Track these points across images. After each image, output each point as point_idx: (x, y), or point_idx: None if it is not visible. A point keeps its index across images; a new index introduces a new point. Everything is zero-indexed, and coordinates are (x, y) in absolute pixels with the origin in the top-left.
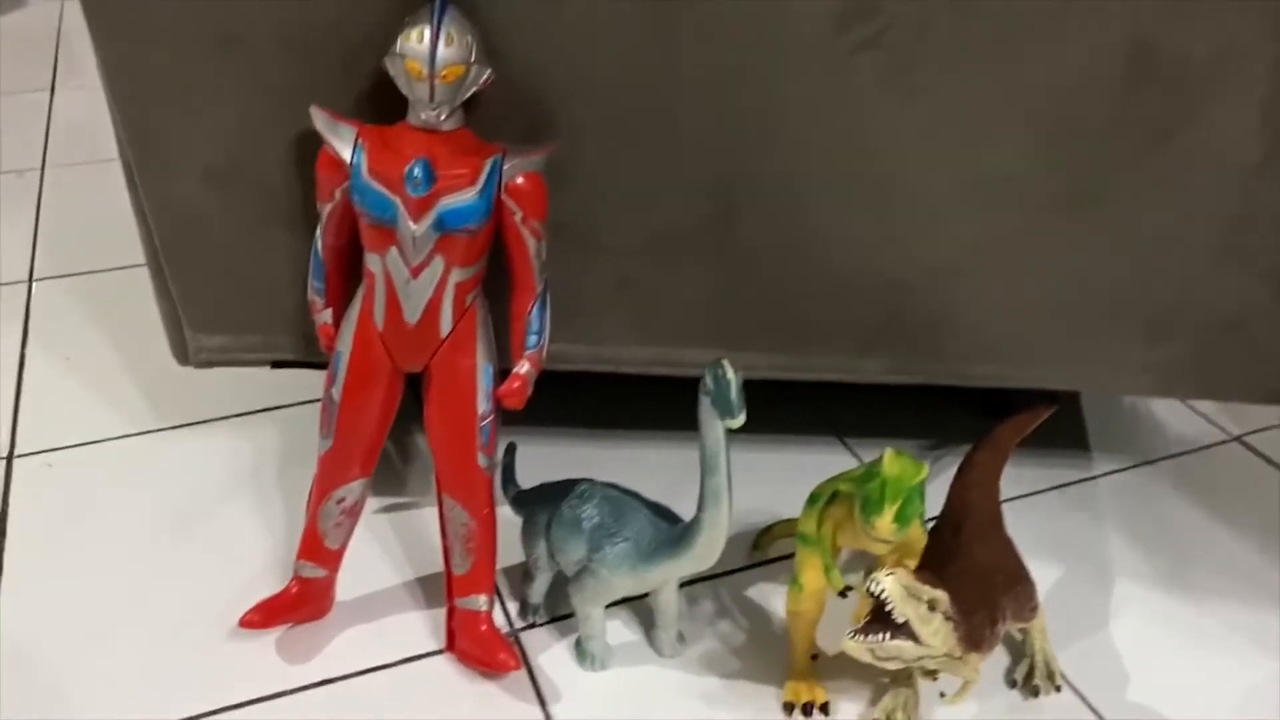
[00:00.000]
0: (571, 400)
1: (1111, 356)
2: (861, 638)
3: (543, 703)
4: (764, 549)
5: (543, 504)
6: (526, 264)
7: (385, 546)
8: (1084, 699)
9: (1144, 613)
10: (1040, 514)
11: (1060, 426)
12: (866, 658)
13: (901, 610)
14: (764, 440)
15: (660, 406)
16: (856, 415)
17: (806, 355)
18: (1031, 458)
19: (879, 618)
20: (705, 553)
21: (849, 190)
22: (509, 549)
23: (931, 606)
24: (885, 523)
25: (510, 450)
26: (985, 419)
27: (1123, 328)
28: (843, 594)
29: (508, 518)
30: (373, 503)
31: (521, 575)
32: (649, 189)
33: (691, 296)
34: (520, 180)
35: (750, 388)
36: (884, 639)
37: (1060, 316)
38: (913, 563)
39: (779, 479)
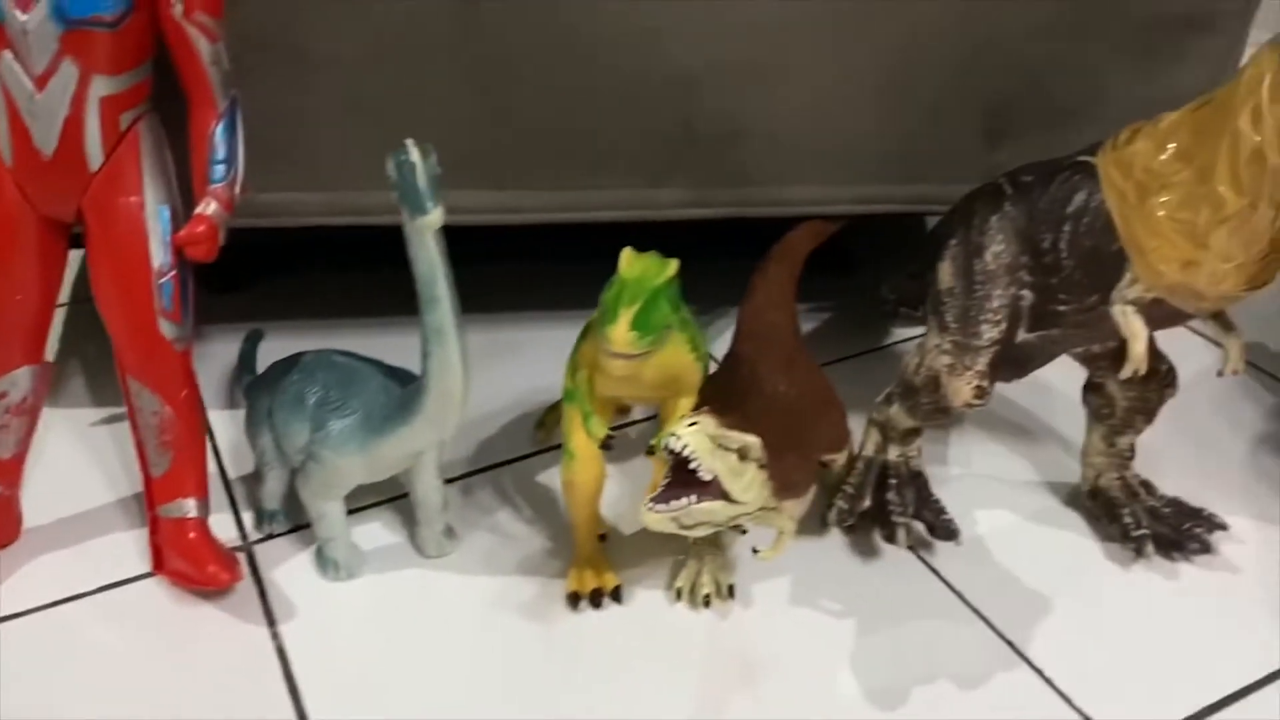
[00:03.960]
0: (351, 280)
1: (949, 162)
2: (663, 506)
3: (271, 621)
4: (550, 430)
5: (266, 386)
6: (199, 72)
7: (98, 458)
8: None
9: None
10: None
11: None
12: (671, 528)
13: (709, 466)
14: (555, 315)
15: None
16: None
17: (590, 188)
18: None
19: (680, 478)
20: (440, 412)
21: None
22: (243, 448)
23: (743, 456)
24: (620, 331)
25: (252, 337)
26: (826, 276)
27: (960, 123)
28: (605, 445)
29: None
30: (86, 412)
31: (254, 477)
32: None
33: (442, 119)
34: None
35: (532, 254)
36: (690, 503)
37: (882, 113)
38: (687, 404)
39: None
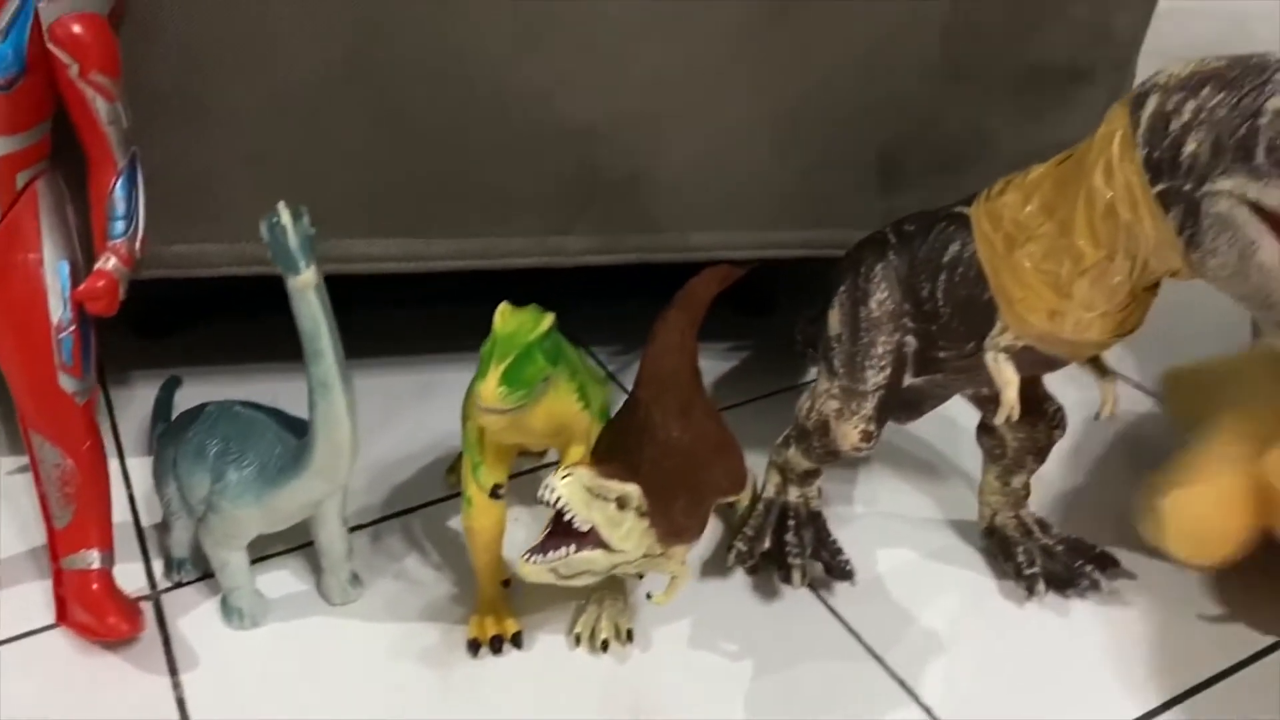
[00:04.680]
0: (271, 327)
1: (845, 208)
2: (539, 557)
3: (173, 670)
4: (459, 476)
5: (173, 436)
6: (96, 132)
7: (11, 508)
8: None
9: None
10: None
11: None
12: (550, 579)
13: (585, 516)
14: (472, 358)
15: (377, 326)
16: (601, 320)
17: (497, 236)
18: None
19: (559, 529)
20: (329, 464)
21: (502, 18)
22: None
23: (621, 505)
24: (489, 387)
25: (168, 385)
26: (749, 317)
27: (855, 170)
28: (494, 494)
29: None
30: (4, 462)
31: (163, 526)
32: (262, 33)
33: (343, 171)
34: (71, 24)
35: (461, 295)
36: (568, 554)
37: (780, 161)
38: (578, 451)
39: None
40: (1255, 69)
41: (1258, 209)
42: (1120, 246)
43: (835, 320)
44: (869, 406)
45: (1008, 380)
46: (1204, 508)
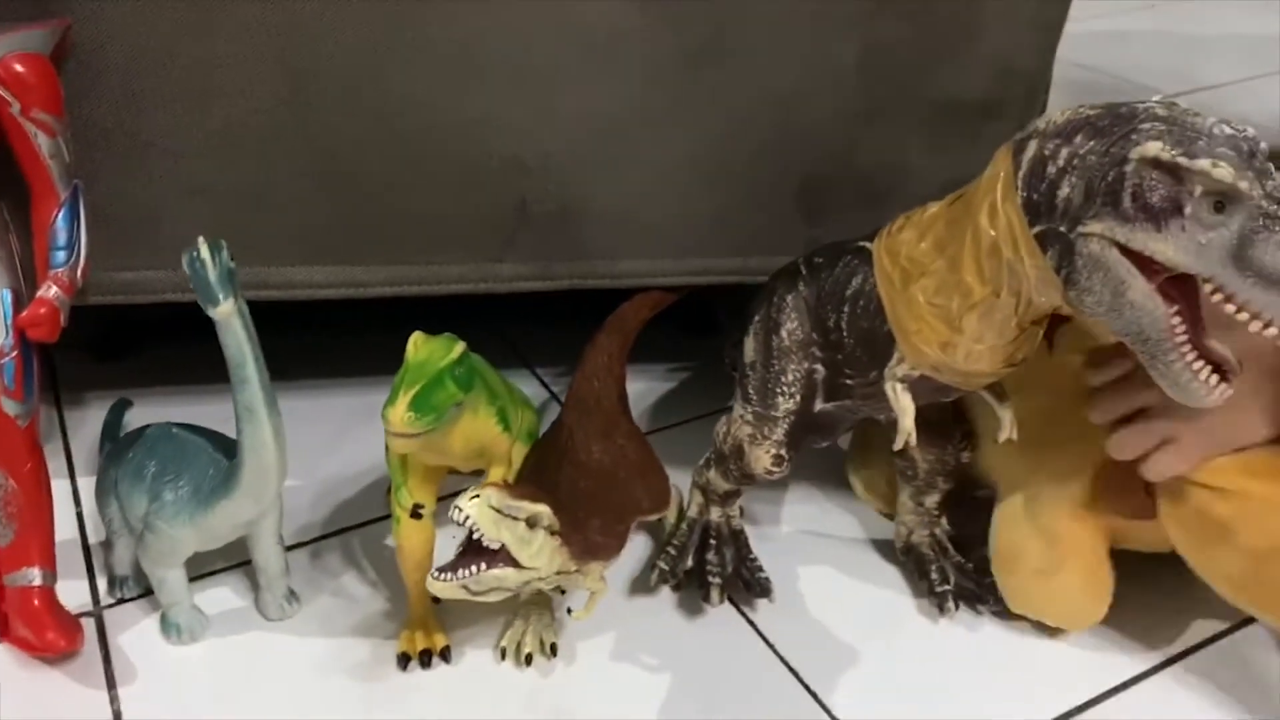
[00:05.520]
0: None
1: (770, 237)
2: (451, 575)
3: (111, 684)
4: None
5: (115, 458)
6: (38, 165)
7: None
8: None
9: None
10: None
11: None
12: (461, 595)
13: (494, 536)
14: None
15: (322, 349)
16: (545, 342)
17: (432, 264)
18: None
19: (472, 547)
20: (256, 486)
21: (433, 59)
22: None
23: (531, 524)
24: (397, 412)
25: (117, 407)
26: (690, 337)
27: (778, 201)
28: (414, 514)
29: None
30: None
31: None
32: (202, 74)
33: (282, 202)
34: (13, 63)
35: (406, 320)
36: (478, 571)
37: (705, 193)
38: (499, 472)
39: None
40: (1124, 118)
41: (1126, 250)
42: (1004, 283)
43: (750, 348)
44: (780, 432)
45: (904, 408)
46: (1073, 592)
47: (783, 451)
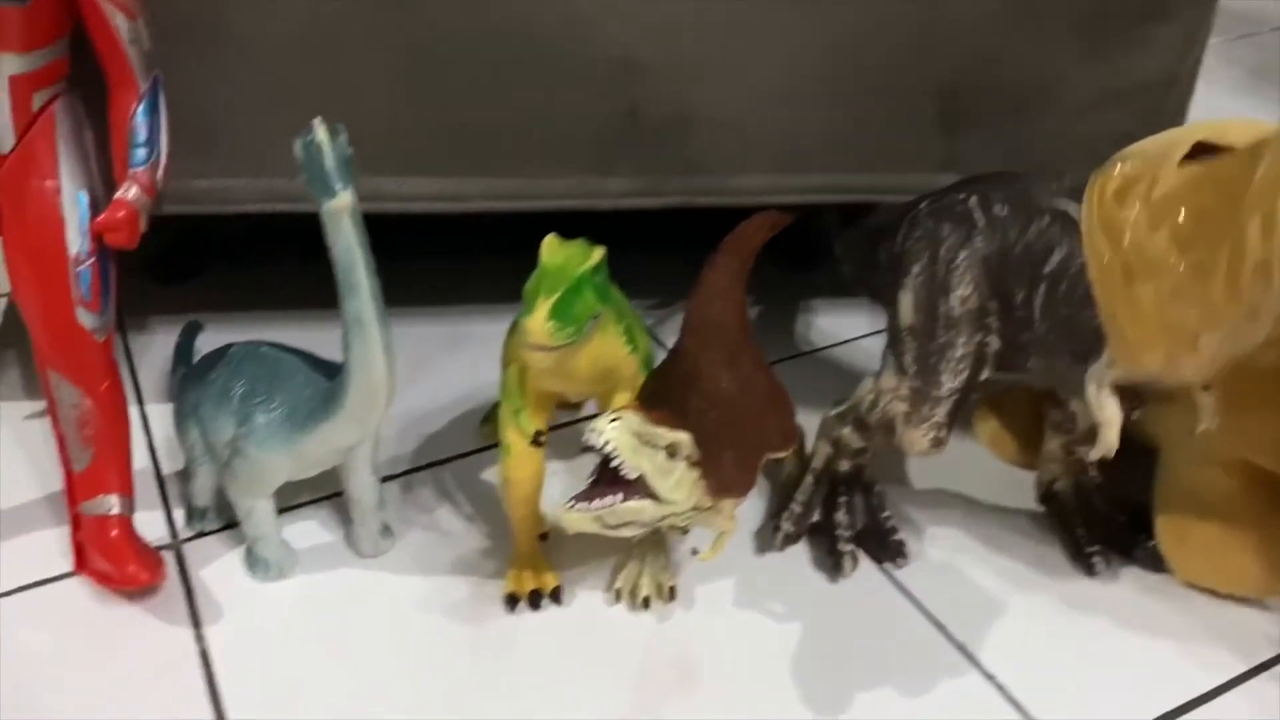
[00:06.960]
0: (300, 269)
1: (902, 150)
2: (585, 505)
3: (196, 623)
4: (495, 427)
5: (195, 380)
6: (116, 50)
7: (30, 452)
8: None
9: None
10: None
11: None
12: (595, 528)
13: (634, 464)
14: (503, 308)
15: (404, 275)
16: (638, 271)
17: (535, 176)
18: None
19: (605, 476)
20: (363, 408)
21: None
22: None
23: (671, 453)
24: (537, 322)
25: (189, 329)
26: (789, 272)
27: (913, 111)
28: (535, 442)
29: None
30: (21, 405)
31: (184, 473)
32: None
33: (371, 106)
34: None
35: (489, 246)
36: (614, 503)
37: (832, 101)
38: (624, 399)
39: None
40: None
41: None
42: (1264, 307)
43: (907, 308)
44: (942, 412)
45: (1109, 419)
46: (1248, 563)
47: (943, 433)
